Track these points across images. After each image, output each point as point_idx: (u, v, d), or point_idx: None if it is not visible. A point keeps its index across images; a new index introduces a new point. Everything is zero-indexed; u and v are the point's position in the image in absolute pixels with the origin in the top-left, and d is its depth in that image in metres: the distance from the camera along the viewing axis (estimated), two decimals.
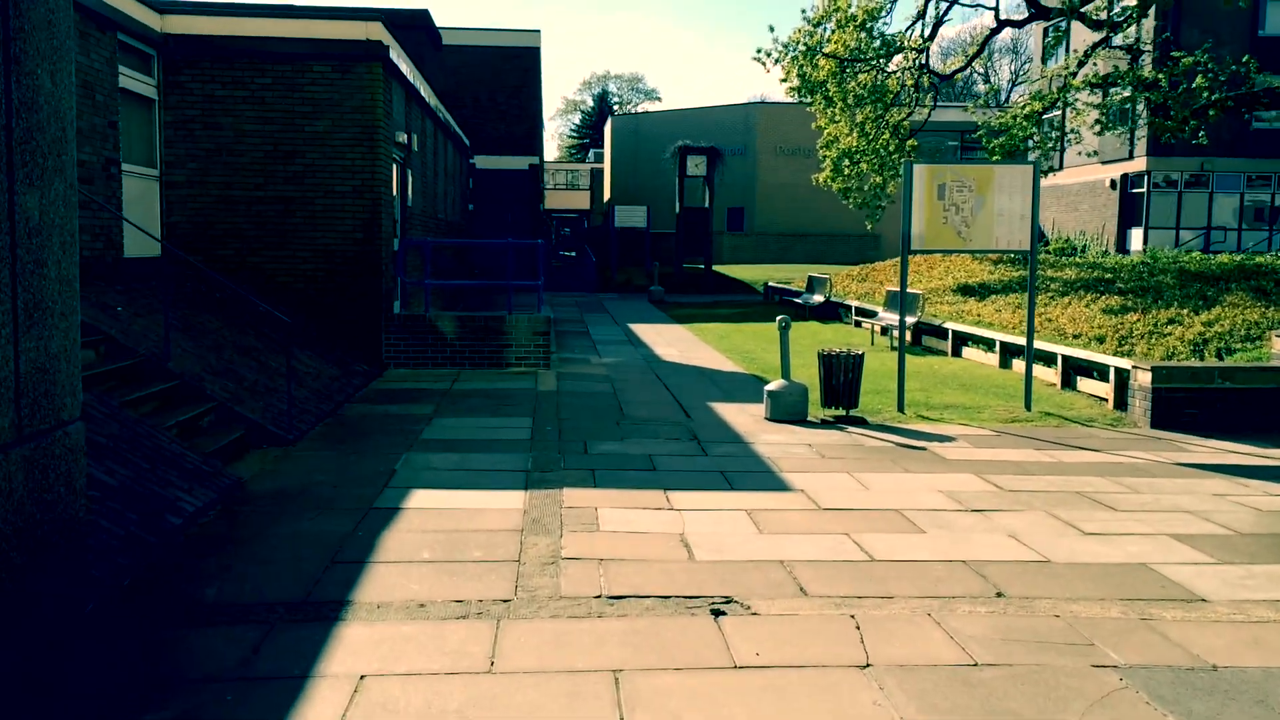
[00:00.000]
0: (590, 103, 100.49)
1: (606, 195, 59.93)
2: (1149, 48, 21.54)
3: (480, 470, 8.82)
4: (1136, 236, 39.14)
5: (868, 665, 4.76)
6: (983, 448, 10.28)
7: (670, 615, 5.39)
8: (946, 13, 24.05)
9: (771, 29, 23.80)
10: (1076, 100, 22.12)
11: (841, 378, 11.61)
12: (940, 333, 18.35)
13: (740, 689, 4.50)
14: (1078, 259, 24.31)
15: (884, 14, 23.04)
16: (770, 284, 32.83)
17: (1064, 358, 13.86)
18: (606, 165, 61.73)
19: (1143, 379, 11.73)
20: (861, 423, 11.57)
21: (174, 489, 7.24)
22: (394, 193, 16.48)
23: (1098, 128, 21.60)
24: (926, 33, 23.87)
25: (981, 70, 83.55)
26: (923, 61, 23.83)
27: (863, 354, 11.74)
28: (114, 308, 10.48)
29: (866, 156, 23.50)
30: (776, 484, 8.50)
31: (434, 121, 21.45)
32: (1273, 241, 37.59)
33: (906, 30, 23.56)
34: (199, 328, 11.62)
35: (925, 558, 6.49)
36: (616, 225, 40.67)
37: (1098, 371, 13.27)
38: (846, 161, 24.23)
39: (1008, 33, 78.34)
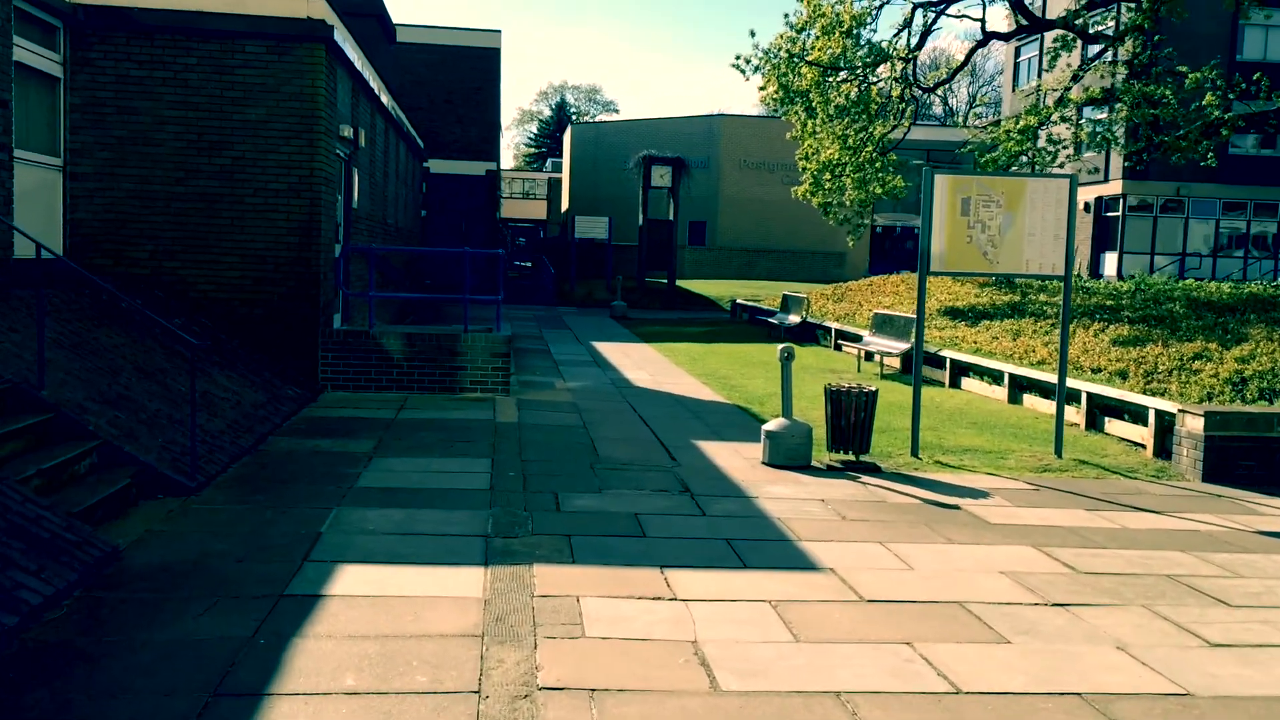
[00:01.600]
0: (548, 113, 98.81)
1: (564, 205, 58.23)
2: (1127, 67, 20.19)
3: (428, 534, 7.06)
4: (1111, 261, 38.21)
5: None
6: (1024, 506, 8.71)
7: None
8: (934, 22, 22.73)
9: (753, 34, 22.34)
10: (1073, 117, 20.84)
11: (852, 417, 10.00)
12: (936, 361, 16.86)
13: None
14: (1093, 285, 23.04)
15: (870, 21, 21.65)
16: (738, 301, 31.31)
17: (1089, 395, 12.38)
18: (565, 175, 60.04)
19: (1192, 425, 10.26)
20: (874, 470, 9.97)
21: (16, 570, 5.41)
22: (337, 193, 14.67)
23: (1098, 143, 20.23)
24: (913, 42, 22.53)
25: (940, 93, 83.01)
26: (909, 72, 22.46)
27: (876, 391, 10.14)
28: None
29: (849, 170, 22.03)
30: (798, 559, 6.84)
31: (385, 119, 19.65)
32: (1248, 270, 36.83)
33: (892, 39, 22.19)
34: (92, 345, 9.73)
35: (1025, 687, 4.85)
36: (576, 236, 38.99)
37: (1129, 413, 11.80)
38: (827, 175, 22.77)
39: (963, 54, 77.88)
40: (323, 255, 13.22)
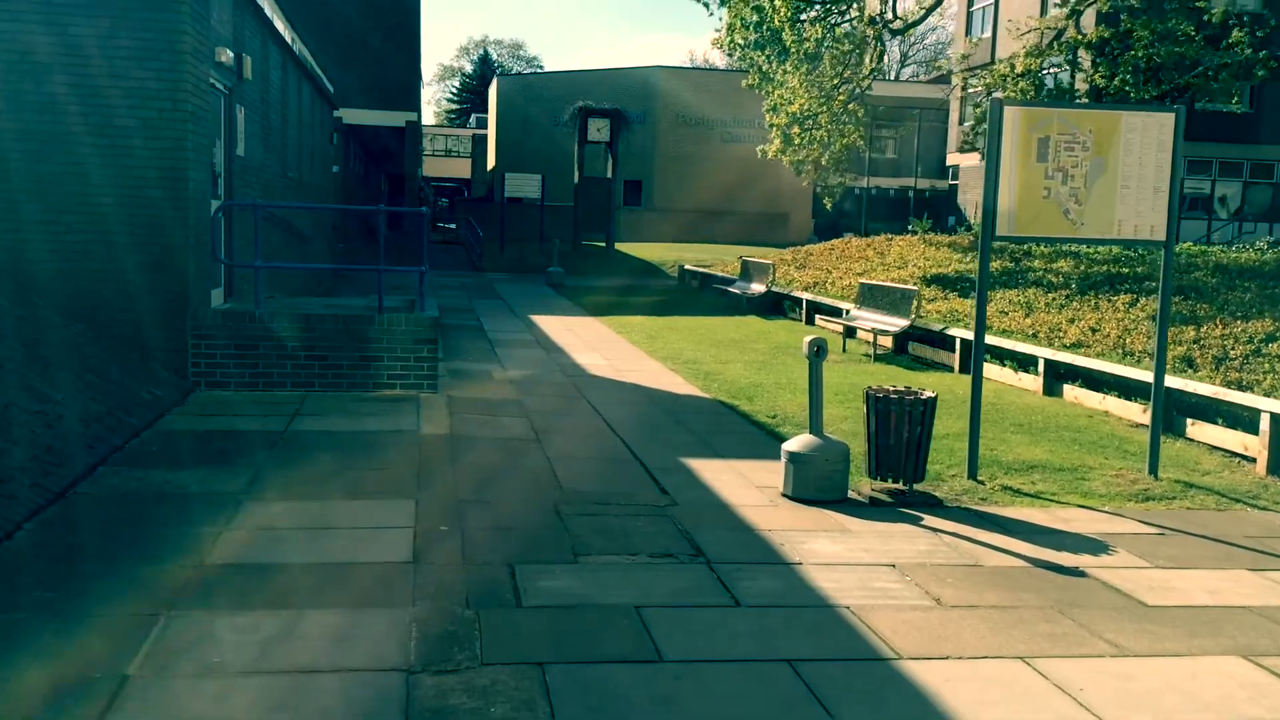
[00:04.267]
0: (469, 68, 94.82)
1: (491, 163, 54.85)
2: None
3: (312, 671, 4.31)
4: None
5: None
6: (1168, 567, 6.24)
7: None
8: None
9: None
10: (1080, 58, 18.48)
11: (904, 434, 7.42)
12: (939, 341, 14.41)
13: None
14: (1060, 249, 20.82)
15: None
16: (686, 267, 28.66)
17: (1166, 392, 9.97)
18: (491, 131, 56.56)
19: None
20: (933, 504, 7.43)
21: None
22: (214, 134, 11.61)
23: (1115, 87, 17.66)
24: None
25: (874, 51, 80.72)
26: (886, 10, 19.92)
27: (934, 398, 7.58)
28: None
29: (823, 121, 19.44)
30: (922, 710, 4.25)
31: (284, 51, 16.47)
32: (1212, 234, 35.22)
33: None
34: None
35: None
36: (506, 195, 35.96)
37: (1223, 415, 9.44)
38: (796, 128, 20.16)
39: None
40: (193, 213, 10.21)
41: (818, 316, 18.56)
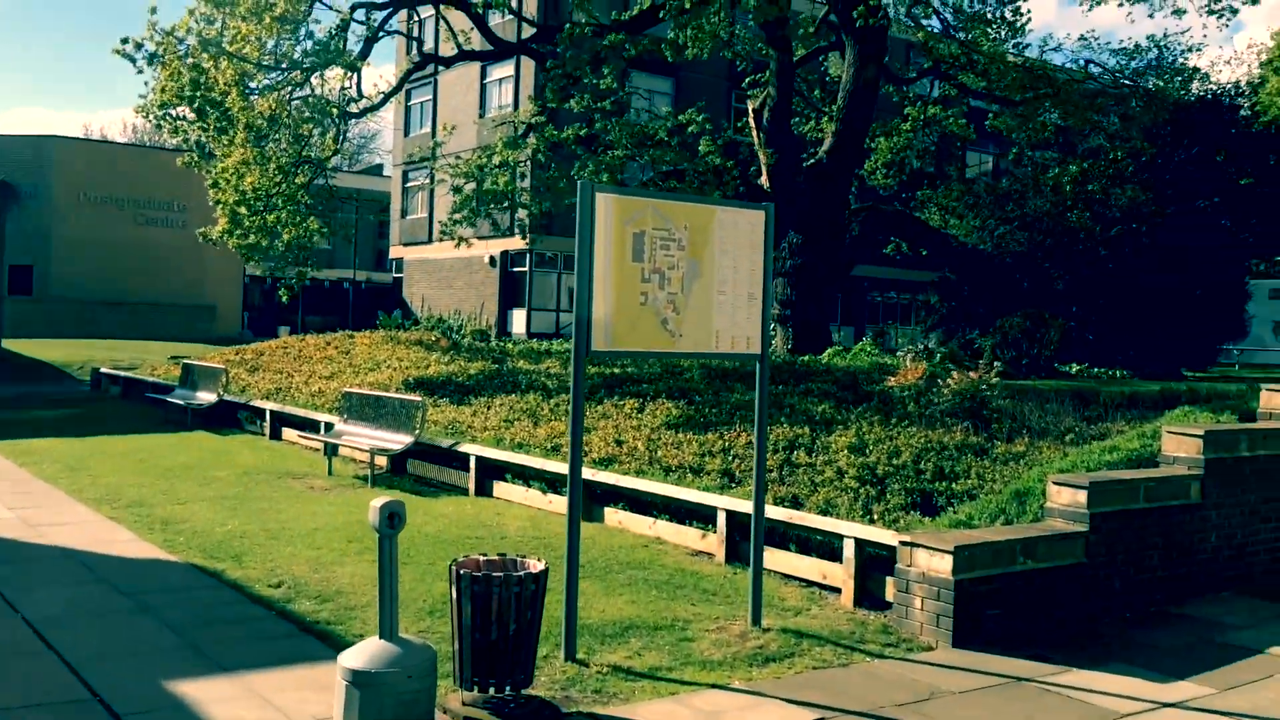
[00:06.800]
0: None
1: None
2: (612, 105, 17.87)
3: None
4: (519, 317, 36.84)
5: None
6: None
7: None
8: (381, 26, 18.63)
9: (154, 11, 16.22)
10: (520, 156, 17.86)
11: (512, 625, 5.44)
12: (447, 459, 12.58)
13: None
14: (548, 346, 20.32)
15: (306, 13, 16.86)
16: (103, 370, 23.93)
17: (729, 515, 9.03)
18: None
19: (932, 565, 7.30)
20: (548, 715, 5.51)
21: None
22: None
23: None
24: (359, 48, 18.24)
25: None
26: (353, 85, 18.12)
27: (545, 570, 5.69)
28: None
29: (281, 201, 16.95)
30: None
31: None
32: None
33: (333, 38, 17.60)
34: None
35: None
36: None
37: (794, 542, 8.67)
38: (244, 209, 17.40)
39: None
40: None
41: (287, 431, 15.86)
